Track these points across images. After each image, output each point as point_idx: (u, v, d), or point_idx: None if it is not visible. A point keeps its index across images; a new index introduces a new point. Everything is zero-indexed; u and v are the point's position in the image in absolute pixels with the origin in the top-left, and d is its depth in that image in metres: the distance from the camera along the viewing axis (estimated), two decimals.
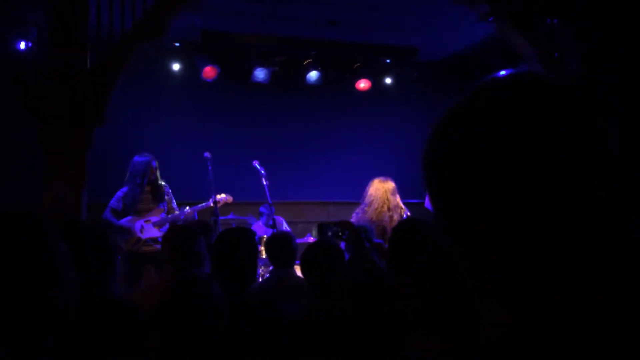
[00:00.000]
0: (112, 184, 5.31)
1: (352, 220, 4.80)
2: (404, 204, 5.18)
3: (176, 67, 6.38)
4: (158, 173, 4.94)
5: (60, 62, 3.97)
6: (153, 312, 1.70)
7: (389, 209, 4.73)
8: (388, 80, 7.12)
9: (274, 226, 4.91)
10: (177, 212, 4.91)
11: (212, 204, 4.80)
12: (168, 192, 5.01)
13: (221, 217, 4.87)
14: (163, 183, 4.99)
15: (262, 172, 4.99)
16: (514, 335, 0.51)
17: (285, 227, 5.47)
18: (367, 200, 4.79)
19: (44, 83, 3.94)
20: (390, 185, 4.82)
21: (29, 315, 1.12)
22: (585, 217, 0.50)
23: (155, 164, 4.91)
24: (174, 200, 5.04)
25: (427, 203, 5.46)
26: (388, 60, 7.02)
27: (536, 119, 0.51)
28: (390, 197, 4.77)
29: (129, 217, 4.83)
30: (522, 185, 0.50)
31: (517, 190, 0.50)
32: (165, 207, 4.95)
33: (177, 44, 6.26)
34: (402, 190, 5.75)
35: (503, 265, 0.52)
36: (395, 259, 2.29)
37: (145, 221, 4.87)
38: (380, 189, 4.78)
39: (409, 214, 5.09)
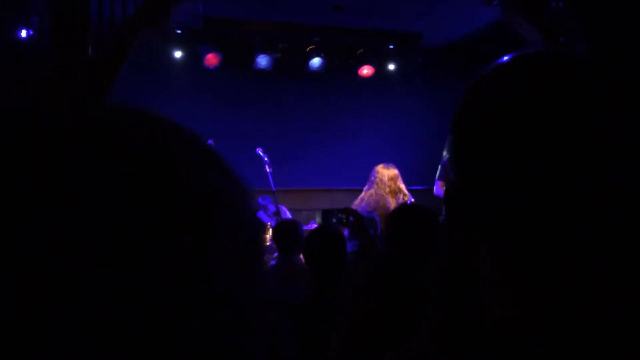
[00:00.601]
0: None
1: (355, 206, 4.80)
2: (408, 190, 5.18)
3: (178, 54, 6.36)
4: None
5: (62, 50, 3.96)
6: None
7: (392, 195, 4.74)
8: (391, 67, 7.07)
9: (277, 214, 4.92)
10: None
11: None
12: None
13: None
14: None
15: (266, 159, 4.99)
16: (517, 328, 0.51)
17: (288, 215, 5.48)
18: (370, 186, 4.80)
19: (46, 71, 3.93)
20: (394, 171, 4.82)
21: None
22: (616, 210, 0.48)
23: None
24: None
25: (437, 190, 5.45)
26: (391, 46, 6.97)
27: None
28: (393, 184, 4.77)
29: None
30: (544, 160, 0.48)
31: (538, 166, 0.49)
32: None
33: (178, 31, 6.23)
34: (407, 176, 5.74)
35: (518, 250, 0.51)
36: (393, 244, 2.29)
37: None
38: (385, 174, 4.78)
39: (412, 200, 5.09)
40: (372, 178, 4.81)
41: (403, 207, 2.43)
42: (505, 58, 0.57)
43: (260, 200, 5.56)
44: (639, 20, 4.43)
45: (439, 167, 5.49)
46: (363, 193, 4.84)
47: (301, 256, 3.24)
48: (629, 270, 0.49)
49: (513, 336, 0.50)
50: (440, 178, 5.42)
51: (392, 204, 4.70)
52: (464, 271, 0.57)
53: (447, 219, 0.59)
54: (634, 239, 0.49)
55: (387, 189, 4.72)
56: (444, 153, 5.47)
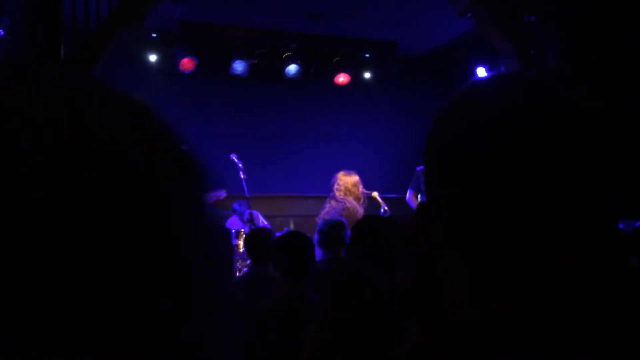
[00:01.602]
0: None
1: (324, 214, 4.81)
2: (383, 197, 5.22)
3: (153, 58, 6.29)
4: None
5: (33, 51, 3.88)
6: None
7: (357, 201, 4.77)
8: (367, 75, 7.13)
9: (250, 220, 4.89)
10: None
11: None
12: None
13: None
14: None
15: (240, 165, 4.96)
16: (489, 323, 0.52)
17: (262, 220, 5.46)
18: (334, 194, 4.81)
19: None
20: (355, 177, 4.86)
21: None
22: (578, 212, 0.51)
23: None
24: None
25: (409, 197, 5.51)
26: (368, 55, 7.03)
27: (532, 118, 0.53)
28: (356, 189, 4.81)
29: None
30: (514, 175, 0.51)
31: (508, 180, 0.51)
32: None
33: (154, 35, 6.17)
34: (381, 184, 5.78)
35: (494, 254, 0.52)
36: (356, 255, 2.31)
37: None
38: (348, 182, 4.81)
39: (386, 208, 5.12)
40: (335, 186, 4.83)
41: (365, 219, 2.48)
42: (481, 77, 0.60)
43: (235, 205, 5.52)
44: (609, 33, 4.56)
45: (414, 175, 5.56)
46: (328, 201, 4.86)
47: None
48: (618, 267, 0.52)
49: (478, 335, 0.52)
50: (412, 187, 5.50)
51: (358, 208, 4.74)
52: (434, 276, 0.59)
53: (419, 230, 0.60)
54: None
55: (351, 195, 4.76)
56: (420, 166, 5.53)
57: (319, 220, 4.76)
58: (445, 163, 0.56)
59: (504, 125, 0.53)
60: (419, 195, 5.45)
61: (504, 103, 0.55)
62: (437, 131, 0.60)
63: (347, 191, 4.76)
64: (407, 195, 5.53)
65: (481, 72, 6.39)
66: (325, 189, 6.31)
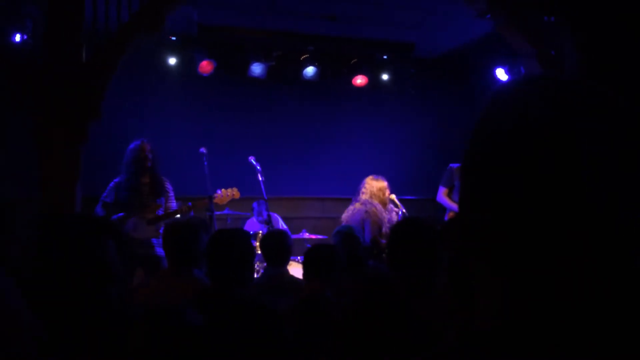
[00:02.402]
0: (108, 177, 5.29)
1: (346, 216, 4.83)
2: (400, 200, 5.20)
3: (172, 61, 6.36)
4: (153, 158, 4.53)
5: (55, 55, 3.95)
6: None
7: (383, 206, 4.81)
8: (385, 76, 7.11)
9: (268, 221, 4.91)
10: (173, 210, 4.55)
11: (207, 200, 4.60)
12: (169, 188, 4.60)
13: (217, 213, 4.83)
14: (164, 178, 4.64)
15: (258, 167, 4.99)
16: (509, 330, 0.52)
17: (282, 224, 5.47)
18: (360, 197, 4.86)
19: (39, 76, 3.92)
20: (382, 183, 4.90)
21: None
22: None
23: (149, 146, 4.51)
24: (174, 198, 4.64)
25: (439, 196, 5.45)
26: (385, 56, 7.01)
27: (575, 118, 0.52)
28: (382, 194, 4.84)
29: (120, 214, 4.39)
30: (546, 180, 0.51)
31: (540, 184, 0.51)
32: (164, 204, 4.53)
33: (173, 38, 6.24)
34: (399, 186, 5.76)
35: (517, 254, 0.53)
36: (396, 258, 2.29)
37: (140, 218, 4.42)
38: (374, 186, 4.85)
39: (404, 210, 5.11)
40: (362, 189, 4.90)
41: (404, 221, 2.44)
42: (516, 81, 0.59)
43: (254, 204, 5.53)
44: (628, 34, 4.49)
45: (445, 173, 5.46)
46: (353, 203, 4.90)
47: (291, 265, 3.24)
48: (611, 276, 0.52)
49: (505, 338, 0.52)
50: (444, 184, 5.40)
51: (382, 214, 4.76)
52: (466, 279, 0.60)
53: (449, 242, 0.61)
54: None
55: (377, 199, 4.80)
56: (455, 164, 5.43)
57: (343, 221, 4.81)
58: (492, 171, 0.54)
59: (548, 131, 0.52)
60: (452, 193, 5.33)
61: (545, 108, 0.53)
62: (484, 135, 0.58)
63: (372, 195, 4.83)
64: (438, 193, 5.45)
65: (500, 73, 6.33)
66: (342, 191, 6.32)
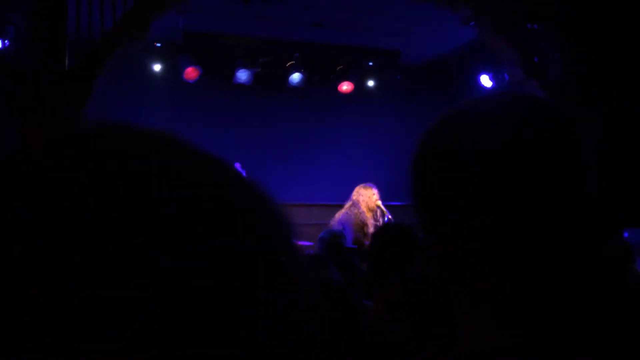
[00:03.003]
0: None
1: (334, 222, 4.87)
2: (386, 206, 5.22)
3: (157, 67, 6.32)
4: None
5: (38, 62, 3.90)
6: None
7: (369, 212, 4.89)
8: (371, 83, 7.14)
9: None
10: None
11: None
12: None
13: None
14: None
15: (244, 174, 4.97)
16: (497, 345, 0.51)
17: None
18: (348, 203, 4.94)
19: (22, 83, 3.87)
20: (371, 190, 4.98)
21: None
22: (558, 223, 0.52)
23: None
24: None
25: None
26: (371, 63, 7.04)
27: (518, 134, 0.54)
28: (371, 202, 4.93)
29: None
30: (501, 193, 0.52)
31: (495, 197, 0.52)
32: None
33: (158, 45, 6.20)
34: (385, 192, 5.77)
35: (481, 266, 0.53)
36: (375, 266, 2.28)
37: None
38: (361, 193, 4.94)
39: (389, 217, 5.12)
40: (352, 197, 4.99)
41: (385, 226, 2.45)
42: (461, 105, 0.61)
43: None
44: (611, 42, 4.56)
45: None
46: (341, 211, 4.97)
47: None
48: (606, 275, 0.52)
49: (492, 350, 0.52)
50: None
51: (369, 219, 4.82)
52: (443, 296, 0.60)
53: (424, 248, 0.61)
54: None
55: (364, 207, 4.88)
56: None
57: (332, 227, 4.85)
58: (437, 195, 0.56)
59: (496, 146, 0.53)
60: None
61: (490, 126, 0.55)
62: (422, 156, 0.60)
63: (359, 202, 4.89)
64: None
65: (485, 80, 6.39)
66: (329, 197, 6.33)
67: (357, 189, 5.02)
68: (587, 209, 0.52)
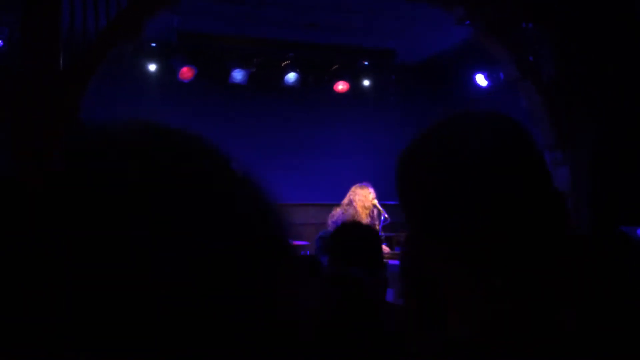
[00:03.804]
0: None
1: (331, 221, 4.87)
2: (382, 205, 5.22)
3: (152, 67, 6.30)
4: None
5: (32, 62, 3.89)
6: None
7: (365, 212, 4.87)
8: (366, 83, 7.14)
9: None
10: None
11: None
12: None
13: None
14: None
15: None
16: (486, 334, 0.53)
17: None
18: (344, 202, 4.92)
19: (16, 84, 3.86)
20: (367, 189, 4.96)
21: None
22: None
23: None
24: None
25: None
26: (366, 63, 7.05)
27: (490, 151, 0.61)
28: (367, 201, 4.91)
29: None
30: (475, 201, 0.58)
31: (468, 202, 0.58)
32: None
33: (153, 45, 6.19)
34: (381, 191, 5.77)
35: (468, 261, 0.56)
36: (335, 260, 2.30)
37: None
38: (359, 193, 4.92)
39: (386, 215, 5.13)
40: (348, 196, 4.97)
41: (344, 225, 2.49)
42: (443, 120, 0.68)
43: None
44: (605, 41, 4.58)
45: None
46: (336, 210, 4.96)
47: None
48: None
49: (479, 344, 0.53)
50: None
51: (365, 218, 4.81)
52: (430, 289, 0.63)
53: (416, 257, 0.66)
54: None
55: (361, 209, 4.87)
56: None
57: (328, 226, 4.85)
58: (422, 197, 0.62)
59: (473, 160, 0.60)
60: None
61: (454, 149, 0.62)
62: (406, 167, 0.68)
63: (355, 201, 4.86)
64: None
65: (480, 79, 6.40)
66: (325, 197, 6.33)
67: (353, 188, 5.01)
68: (553, 203, 0.58)
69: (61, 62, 3.98)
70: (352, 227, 2.41)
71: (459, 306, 0.58)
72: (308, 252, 5.21)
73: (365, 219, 4.81)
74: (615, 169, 4.34)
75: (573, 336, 0.51)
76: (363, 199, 4.91)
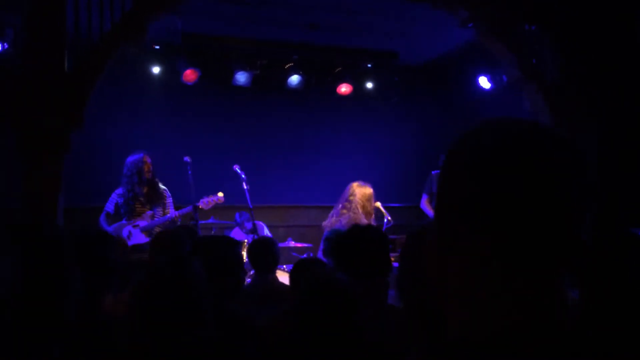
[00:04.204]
0: (91, 188, 5.22)
1: (331, 223, 4.81)
2: (385, 207, 5.21)
3: (156, 70, 6.32)
4: (153, 170, 4.81)
5: (37, 64, 3.91)
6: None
7: (367, 214, 4.76)
8: (369, 85, 7.15)
9: (253, 231, 4.89)
10: (162, 217, 4.77)
11: (192, 210, 4.70)
12: (168, 197, 4.88)
13: (201, 222, 4.82)
14: (163, 187, 4.89)
15: (243, 176, 4.97)
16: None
17: (266, 232, 5.45)
18: (344, 203, 4.82)
19: (21, 85, 3.88)
20: (369, 190, 4.85)
21: (41, 324, 1.15)
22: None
23: (150, 160, 4.81)
24: (172, 206, 4.88)
25: (423, 203, 5.50)
26: (369, 65, 7.05)
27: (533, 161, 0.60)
28: (368, 203, 4.80)
29: (119, 223, 4.72)
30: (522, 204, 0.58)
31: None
32: (157, 212, 4.78)
33: (157, 47, 6.21)
34: (384, 193, 5.77)
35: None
36: (340, 263, 2.30)
37: (134, 226, 4.72)
38: (359, 193, 4.81)
39: (389, 218, 5.12)
40: (347, 196, 4.84)
41: (353, 228, 2.47)
42: (492, 121, 0.65)
43: (236, 216, 5.52)
44: (609, 43, 4.57)
45: (427, 180, 5.54)
46: (337, 210, 4.86)
47: (277, 274, 3.23)
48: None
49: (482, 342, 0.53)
50: (426, 192, 5.48)
51: (365, 219, 4.72)
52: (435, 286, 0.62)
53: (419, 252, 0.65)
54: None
55: (362, 207, 4.75)
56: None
57: (325, 227, 4.77)
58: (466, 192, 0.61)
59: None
60: (432, 200, 5.43)
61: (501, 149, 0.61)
62: (452, 162, 0.65)
63: (358, 202, 4.76)
64: (422, 200, 5.51)
65: (483, 81, 6.40)
66: (328, 199, 6.33)
67: (354, 187, 4.86)
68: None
69: (66, 64, 4.00)
70: (362, 230, 2.39)
71: (461, 305, 0.57)
72: (311, 254, 5.20)
73: (365, 219, 4.72)
74: (617, 170, 4.33)
75: (576, 337, 0.51)
76: (363, 199, 4.81)
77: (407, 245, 1.24)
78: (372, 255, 2.25)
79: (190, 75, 6.33)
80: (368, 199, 4.80)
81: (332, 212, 4.93)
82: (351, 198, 4.80)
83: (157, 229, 4.63)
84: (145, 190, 4.77)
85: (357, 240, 2.30)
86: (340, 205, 4.85)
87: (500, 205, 0.56)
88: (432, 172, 5.54)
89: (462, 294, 0.57)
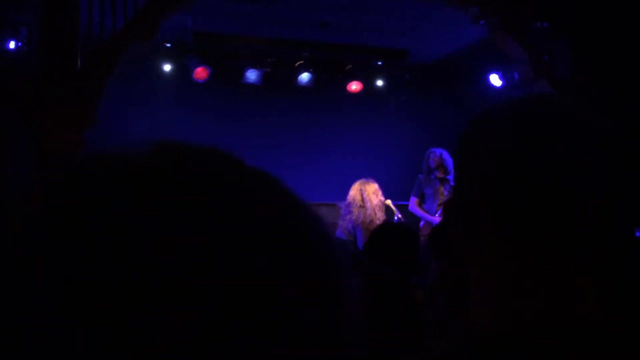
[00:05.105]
0: None
1: (345, 220, 4.84)
2: (395, 205, 5.20)
3: (167, 67, 6.36)
4: None
5: (50, 62, 3.95)
6: None
7: (373, 211, 4.76)
8: (379, 83, 7.13)
9: None
10: None
11: None
12: None
13: None
14: None
15: None
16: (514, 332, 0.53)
17: None
18: (353, 203, 4.84)
19: (35, 83, 3.92)
20: (374, 186, 4.86)
21: None
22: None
23: None
24: None
25: (412, 205, 5.53)
26: (379, 63, 7.04)
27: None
28: (376, 198, 4.81)
29: None
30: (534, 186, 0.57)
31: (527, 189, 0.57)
32: None
33: (168, 45, 6.24)
34: (393, 191, 5.76)
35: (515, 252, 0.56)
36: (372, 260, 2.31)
37: None
38: (365, 190, 4.83)
39: (399, 216, 5.11)
40: (351, 193, 4.87)
41: (384, 225, 2.48)
42: (505, 101, 0.66)
43: None
44: (621, 40, 4.53)
45: (415, 183, 5.60)
46: (349, 209, 4.87)
47: None
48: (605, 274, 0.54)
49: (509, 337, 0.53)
50: (415, 194, 5.52)
51: (380, 218, 4.73)
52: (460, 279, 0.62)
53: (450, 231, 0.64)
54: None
55: (370, 204, 4.77)
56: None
57: (340, 228, 4.81)
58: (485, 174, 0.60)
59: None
60: (423, 203, 5.48)
61: (518, 130, 0.61)
62: (466, 146, 0.65)
63: (368, 198, 4.77)
64: (410, 202, 5.53)
65: (494, 79, 6.36)
66: (337, 197, 6.33)
67: (361, 185, 4.88)
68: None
69: (79, 62, 4.04)
70: (392, 228, 2.40)
71: (482, 300, 0.57)
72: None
73: (380, 216, 4.72)
74: (633, 169, 4.29)
75: (597, 334, 0.51)
76: (372, 196, 4.83)
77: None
78: (401, 254, 2.25)
79: (201, 72, 6.36)
80: (375, 194, 4.83)
81: (342, 212, 4.95)
82: (355, 196, 4.82)
83: None
84: None
85: (387, 238, 2.30)
86: (347, 204, 4.87)
87: (528, 201, 0.56)
88: (419, 176, 5.59)
89: (483, 289, 0.57)
